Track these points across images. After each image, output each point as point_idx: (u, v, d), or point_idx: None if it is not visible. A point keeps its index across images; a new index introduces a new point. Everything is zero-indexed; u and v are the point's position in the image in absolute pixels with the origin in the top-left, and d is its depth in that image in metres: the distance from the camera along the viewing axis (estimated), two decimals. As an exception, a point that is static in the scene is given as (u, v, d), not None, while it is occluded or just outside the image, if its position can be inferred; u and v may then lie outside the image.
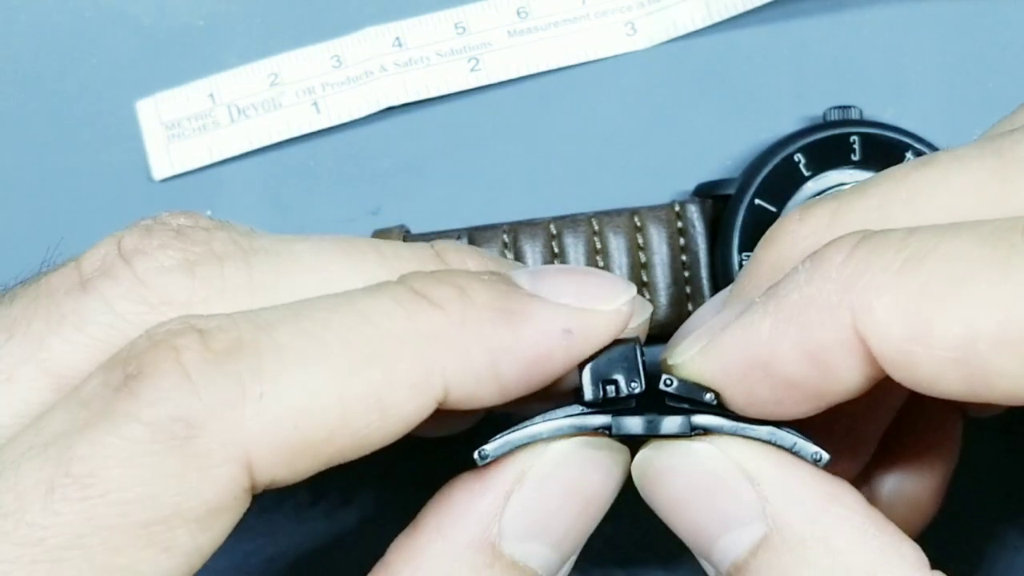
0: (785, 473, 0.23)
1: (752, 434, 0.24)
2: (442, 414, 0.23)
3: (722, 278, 0.36)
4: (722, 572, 0.24)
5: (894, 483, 0.29)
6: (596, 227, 0.37)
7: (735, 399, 0.24)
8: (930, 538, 0.26)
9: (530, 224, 0.37)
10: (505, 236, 0.36)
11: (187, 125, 0.39)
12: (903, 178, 0.24)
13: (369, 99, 0.38)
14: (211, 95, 0.39)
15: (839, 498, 0.23)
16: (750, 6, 0.38)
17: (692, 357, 0.24)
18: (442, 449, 0.27)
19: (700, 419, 0.24)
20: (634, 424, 0.25)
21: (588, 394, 0.25)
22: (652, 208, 0.37)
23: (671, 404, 0.25)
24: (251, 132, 0.38)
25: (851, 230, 0.23)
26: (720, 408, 0.24)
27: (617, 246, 0.36)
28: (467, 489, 0.24)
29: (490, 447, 0.24)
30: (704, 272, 0.37)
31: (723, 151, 0.38)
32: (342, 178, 0.39)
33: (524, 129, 0.39)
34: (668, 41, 0.39)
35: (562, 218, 0.37)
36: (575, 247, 0.36)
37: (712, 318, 0.25)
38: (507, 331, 0.23)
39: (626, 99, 0.39)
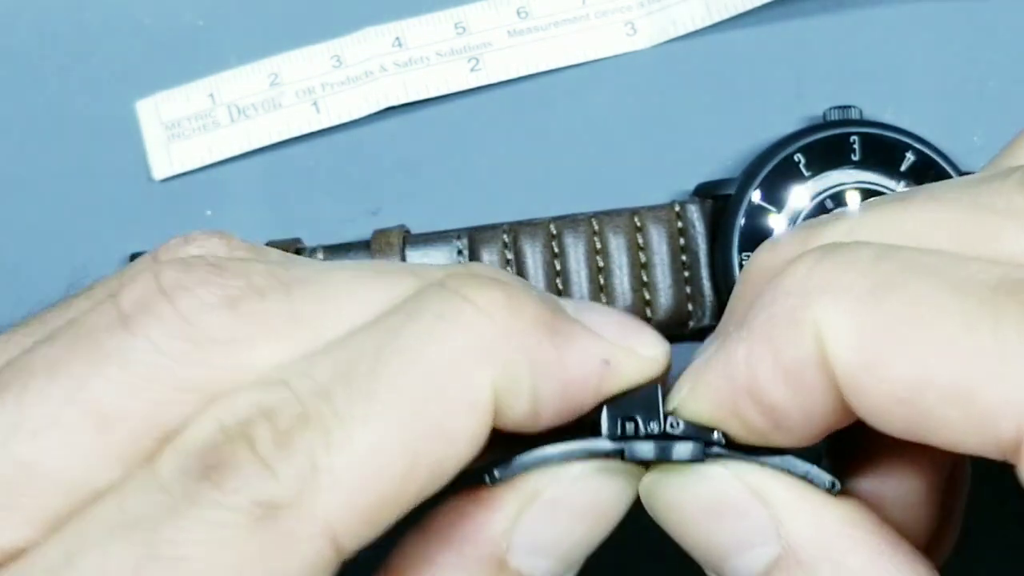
0: (798, 496, 0.23)
1: (765, 462, 0.24)
2: None
3: (722, 278, 0.36)
4: None
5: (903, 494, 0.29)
6: (596, 227, 0.37)
7: (735, 432, 0.24)
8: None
9: (530, 224, 0.37)
10: (505, 236, 0.36)
11: (187, 125, 0.39)
12: (875, 208, 0.24)
13: (369, 99, 0.38)
14: (211, 95, 0.39)
15: (853, 520, 0.23)
16: (750, 6, 0.38)
17: (684, 399, 0.24)
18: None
19: (712, 449, 0.24)
20: (646, 449, 0.25)
21: (606, 429, 0.24)
22: (652, 208, 0.37)
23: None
24: (251, 132, 0.38)
25: None
26: (729, 444, 0.24)
27: (617, 246, 0.36)
28: (479, 503, 0.24)
29: (499, 470, 0.24)
30: (704, 272, 0.37)
31: (723, 151, 0.38)
32: (342, 178, 0.39)
33: (524, 129, 0.39)
34: (668, 41, 0.39)
35: (562, 218, 0.37)
36: (575, 247, 0.36)
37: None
38: (551, 349, 0.23)
39: (626, 99, 0.39)
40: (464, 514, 0.24)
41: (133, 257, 0.36)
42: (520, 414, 0.23)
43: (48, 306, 0.25)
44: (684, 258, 0.37)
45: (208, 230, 0.25)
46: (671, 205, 0.37)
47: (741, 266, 0.36)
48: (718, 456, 0.24)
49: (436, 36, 0.39)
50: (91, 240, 0.38)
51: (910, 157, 0.36)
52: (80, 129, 0.39)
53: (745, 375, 0.23)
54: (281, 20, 0.39)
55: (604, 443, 0.24)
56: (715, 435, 0.24)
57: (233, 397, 0.22)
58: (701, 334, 0.37)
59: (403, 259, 0.35)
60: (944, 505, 0.27)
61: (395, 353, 0.22)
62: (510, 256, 0.36)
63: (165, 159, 0.39)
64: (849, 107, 0.37)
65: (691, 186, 0.38)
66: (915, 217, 0.23)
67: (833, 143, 0.36)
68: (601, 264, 0.36)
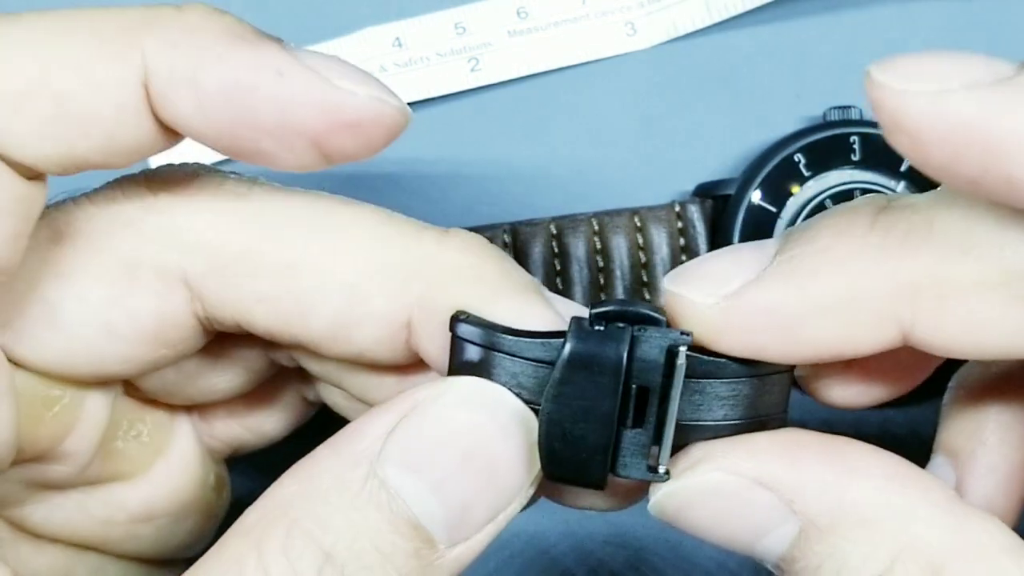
0: (798, 470, 0.24)
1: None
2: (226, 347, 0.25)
3: (722, 278, 0.36)
4: (771, 566, 0.24)
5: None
6: (596, 227, 0.37)
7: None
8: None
9: (530, 224, 0.37)
10: (505, 236, 0.36)
11: (187, 125, 0.39)
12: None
13: (369, 99, 0.38)
14: (211, 95, 0.39)
15: (855, 468, 0.24)
16: (750, 6, 0.38)
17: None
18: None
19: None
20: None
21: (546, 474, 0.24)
22: (652, 208, 0.37)
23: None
24: (251, 132, 0.38)
25: None
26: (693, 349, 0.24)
27: (617, 246, 0.36)
28: (372, 412, 0.24)
29: (465, 320, 0.24)
30: (704, 272, 0.37)
31: (723, 151, 0.38)
32: (342, 178, 0.39)
33: (524, 129, 0.39)
34: (668, 41, 0.39)
35: (562, 218, 0.37)
36: (575, 247, 0.36)
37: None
38: (220, 46, 0.23)
39: (626, 99, 0.39)
40: (357, 421, 0.24)
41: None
42: (185, 101, 0.23)
43: None
44: (684, 258, 0.37)
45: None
46: (671, 205, 0.37)
47: (741, 266, 0.35)
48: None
49: (436, 36, 0.39)
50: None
51: (910, 157, 0.36)
52: (80, 129, 0.39)
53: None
54: (280, 20, 0.39)
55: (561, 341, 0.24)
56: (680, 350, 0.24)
57: None
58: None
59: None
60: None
61: (83, 9, 0.23)
62: (510, 256, 0.36)
63: (165, 159, 0.38)
64: (849, 107, 0.37)
65: (691, 186, 0.38)
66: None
67: (833, 143, 0.36)
68: (601, 264, 0.36)
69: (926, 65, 0.21)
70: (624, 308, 0.24)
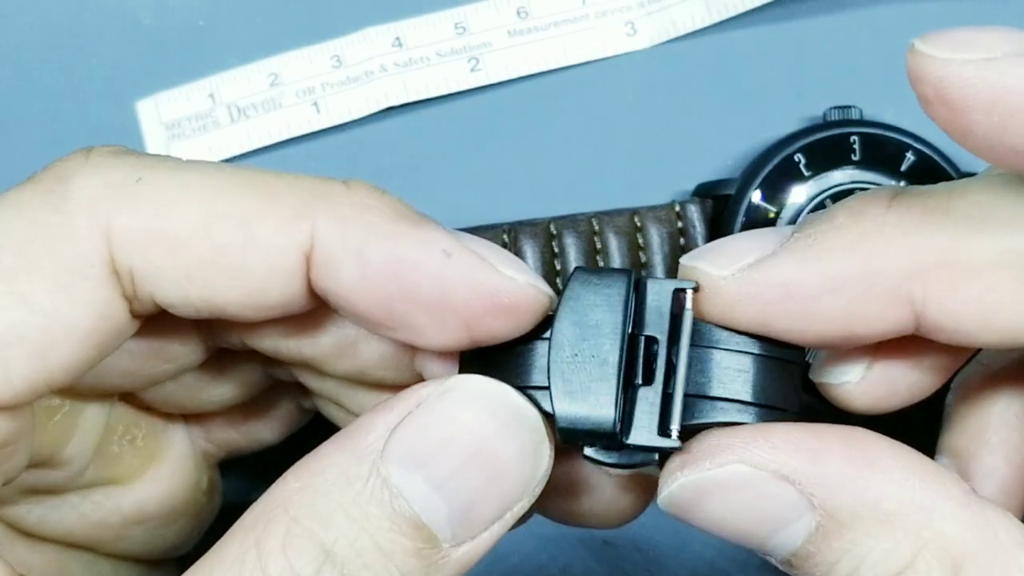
0: (819, 463, 0.23)
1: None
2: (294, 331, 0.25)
3: (722, 278, 0.36)
4: (779, 561, 0.24)
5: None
6: (596, 227, 0.37)
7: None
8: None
9: (530, 224, 0.37)
10: (505, 236, 0.36)
11: (187, 125, 0.39)
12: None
13: (369, 99, 0.38)
14: (211, 95, 0.39)
15: (875, 461, 0.23)
16: (750, 6, 0.38)
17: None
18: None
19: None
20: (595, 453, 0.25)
21: (560, 440, 0.24)
22: (652, 208, 0.37)
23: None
24: (251, 132, 0.38)
25: None
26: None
27: (617, 246, 0.36)
28: (376, 409, 0.24)
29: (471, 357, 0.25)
30: (704, 272, 0.37)
31: (723, 151, 0.38)
32: (342, 178, 0.39)
33: (524, 129, 0.39)
34: (668, 41, 0.39)
35: (562, 218, 0.37)
36: (575, 247, 0.36)
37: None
38: (388, 223, 0.24)
39: (626, 99, 0.39)
40: (364, 416, 0.24)
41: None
42: (346, 273, 0.24)
43: None
44: (684, 258, 0.37)
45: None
46: (671, 205, 0.37)
47: (741, 266, 0.35)
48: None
49: (436, 36, 0.39)
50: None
51: (910, 157, 0.36)
52: (80, 129, 0.39)
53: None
54: (281, 20, 0.39)
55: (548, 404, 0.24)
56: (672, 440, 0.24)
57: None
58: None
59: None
60: None
61: (260, 170, 0.24)
62: (510, 256, 0.36)
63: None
64: (849, 107, 0.37)
65: (691, 186, 0.38)
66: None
67: (833, 143, 0.36)
68: (601, 264, 0.36)
69: (972, 36, 0.21)
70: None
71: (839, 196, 0.36)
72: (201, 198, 0.24)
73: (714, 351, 0.24)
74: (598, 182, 0.38)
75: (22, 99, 0.39)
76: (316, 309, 0.25)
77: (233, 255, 0.23)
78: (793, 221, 0.36)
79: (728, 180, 0.37)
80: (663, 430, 0.24)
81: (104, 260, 0.23)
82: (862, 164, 0.36)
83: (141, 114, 0.39)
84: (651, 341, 0.24)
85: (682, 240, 0.37)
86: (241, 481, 0.23)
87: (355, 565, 0.22)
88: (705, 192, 0.37)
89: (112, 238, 0.23)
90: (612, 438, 0.24)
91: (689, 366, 0.24)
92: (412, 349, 0.26)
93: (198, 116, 0.39)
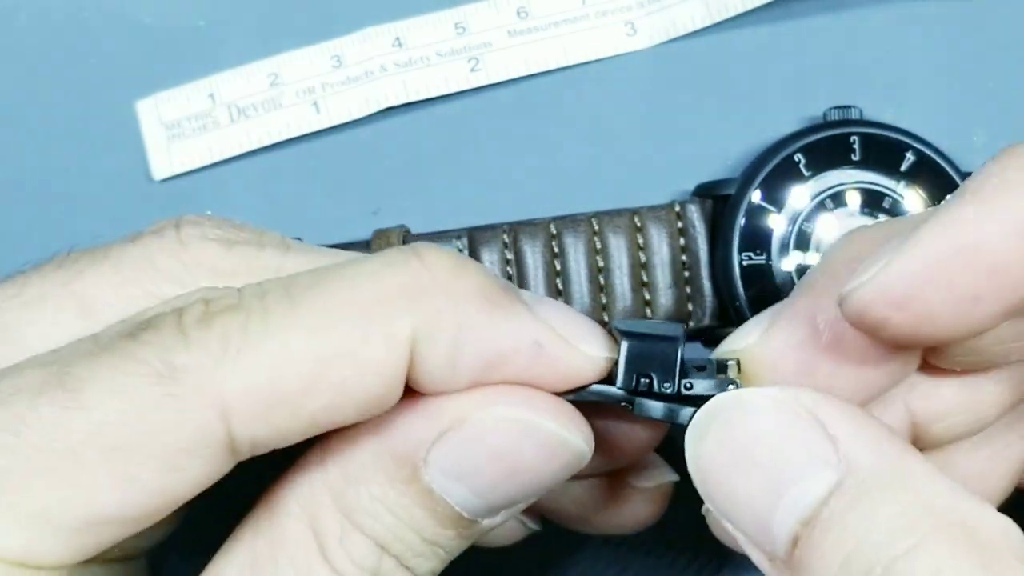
0: (855, 418, 0.23)
1: None
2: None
3: (722, 278, 0.36)
4: (782, 543, 0.22)
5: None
6: (596, 227, 0.37)
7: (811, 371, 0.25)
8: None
9: (530, 224, 0.37)
10: (505, 236, 0.36)
11: (187, 125, 0.39)
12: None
13: (369, 99, 0.38)
14: (211, 95, 0.39)
15: (907, 445, 0.23)
16: (750, 6, 0.38)
17: (757, 341, 0.25)
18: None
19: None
20: (656, 408, 0.25)
21: (620, 380, 0.25)
22: (652, 208, 0.37)
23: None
24: (251, 132, 0.38)
25: None
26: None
27: (617, 246, 0.36)
28: (415, 406, 0.24)
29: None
30: (704, 272, 0.37)
31: (723, 151, 0.38)
32: (342, 178, 0.39)
33: (524, 129, 0.39)
34: (668, 41, 0.39)
35: (562, 218, 0.37)
36: (575, 247, 0.36)
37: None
38: (481, 315, 0.24)
39: (626, 99, 0.39)
40: (399, 411, 0.24)
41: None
42: (438, 369, 0.24)
43: None
44: (684, 258, 0.37)
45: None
46: (671, 205, 0.37)
47: (741, 266, 0.35)
48: None
49: (436, 36, 0.39)
50: (91, 240, 0.38)
51: (910, 157, 0.36)
52: (80, 129, 0.39)
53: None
54: (281, 20, 0.39)
55: (615, 391, 0.25)
56: (730, 386, 0.25)
57: (192, 290, 0.24)
58: (701, 334, 0.37)
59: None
60: None
61: (337, 277, 0.24)
62: (510, 256, 0.36)
63: (165, 159, 0.39)
64: (849, 107, 0.37)
65: (691, 186, 0.38)
66: None
67: (833, 143, 0.36)
68: (601, 264, 0.36)
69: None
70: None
71: (839, 196, 0.36)
72: (307, 338, 0.23)
73: None
74: (598, 182, 0.38)
75: (22, 99, 0.39)
76: None
77: (347, 388, 0.23)
78: (793, 221, 0.36)
79: (728, 180, 0.37)
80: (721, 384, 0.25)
81: (219, 437, 0.23)
82: (862, 164, 0.36)
83: (141, 114, 0.39)
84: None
85: (682, 240, 0.37)
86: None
87: (408, 555, 0.24)
88: (705, 192, 0.37)
89: (228, 414, 0.23)
90: (674, 355, 0.25)
91: None
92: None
93: (198, 116, 0.39)
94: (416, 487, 0.24)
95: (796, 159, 0.36)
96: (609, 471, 0.30)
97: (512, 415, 0.24)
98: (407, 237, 0.36)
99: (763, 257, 0.36)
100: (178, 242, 0.26)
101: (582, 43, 0.39)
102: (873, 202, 0.36)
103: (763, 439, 0.23)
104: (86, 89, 0.39)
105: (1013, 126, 0.38)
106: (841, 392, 0.24)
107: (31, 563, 0.22)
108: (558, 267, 0.36)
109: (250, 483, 0.25)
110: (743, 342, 0.26)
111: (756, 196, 0.36)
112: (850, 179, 0.36)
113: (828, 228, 0.36)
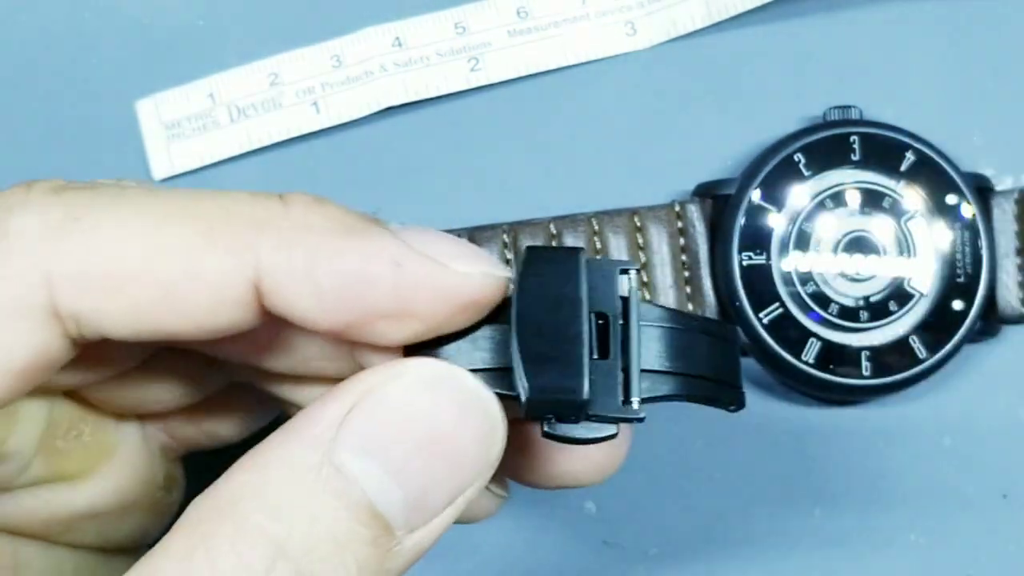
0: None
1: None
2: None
3: (722, 278, 0.36)
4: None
5: None
6: (596, 227, 0.37)
7: None
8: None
9: (530, 224, 0.37)
10: (505, 236, 0.36)
11: (187, 125, 0.39)
12: None
13: (369, 99, 0.38)
14: (211, 95, 0.39)
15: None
16: (750, 6, 0.38)
17: None
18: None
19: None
20: (567, 428, 0.24)
21: (522, 391, 0.24)
22: (652, 208, 0.37)
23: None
24: (251, 132, 0.38)
25: None
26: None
27: (617, 246, 0.36)
28: (325, 397, 0.24)
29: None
30: (704, 272, 0.37)
31: (723, 151, 0.38)
32: (342, 178, 0.39)
33: (524, 129, 0.39)
34: (668, 41, 0.39)
35: (562, 218, 0.37)
36: (575, 247, 0.36)
37: None
38: (334, 239, 0.23)
39: (626, 99, 0.39)
40: (312, 406, 0.24)
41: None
42: (300, 296, 0.23)
43: None
44: (684, 258, 0.37)
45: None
46: (671, 205, 0.37)
47: (741, 266, 0.36)
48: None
49: (436, 36, 0.39)
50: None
51: (910, 157, 0.36)
52: (80, 129, 0.39)
53: None
54: (281, 20, 0.39)
55: (514, 385, 0.24)
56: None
57: None
58: (701, 334, 0.37)
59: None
60: None
61: (200, 194, 0.24)
62: (510, 256, 0.36)
63: (165, 159, 0.39)
64: (849, 107, 0.37)
65: (691, 186, 0.38)
66: None
67: (833, 143, 0.36)
68: (601, 264, 0.36)
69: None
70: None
71: (839, 195, 0.36)
72: (141, 234, 0.23)
73: (660, 329, 0.25)
74: (598, 182, 0.38)
75: (22, 99, 0.39)
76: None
77: (179, 291, 0.23)
78: (793, 221, 0.36)
79: (728, 180, 0.37)
80: (625, 401, 0.24)
81: (44, 305, 0.23)
82: (862, 164, 0.36)
83: (141, 114, 0.39)
84: (600, 317, 0.24)
85: (682, 240, 0.37)
86: (211, 474, 0.23)
87: (310, 558, 0.22)
88: (705, 192, 0.37)
89: (53, 283, 0.23)
90: (581, 408, 0.24)
91: (640, 343, 0.24)
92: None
93: (198, 116, 0.39)
94: (326, 471, 0.22)
95: (796, 159, 0.36)
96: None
97: (422, 376, 0.24)
98: (407, 237, 0.36)
99: (763, 257, 0.36)
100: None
101: (582, 43, 0.39)
102: (873, 202, 0.36)
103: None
104: (86, 89, 0.39)
105: (1013, 126, 0.38)
106: None
107: None
108: (558, 267, 0.36)
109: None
110: None
111: (756, 196, 0.36)
112: (850, 179, 0.36)
113: (828, 228, 0.36)
